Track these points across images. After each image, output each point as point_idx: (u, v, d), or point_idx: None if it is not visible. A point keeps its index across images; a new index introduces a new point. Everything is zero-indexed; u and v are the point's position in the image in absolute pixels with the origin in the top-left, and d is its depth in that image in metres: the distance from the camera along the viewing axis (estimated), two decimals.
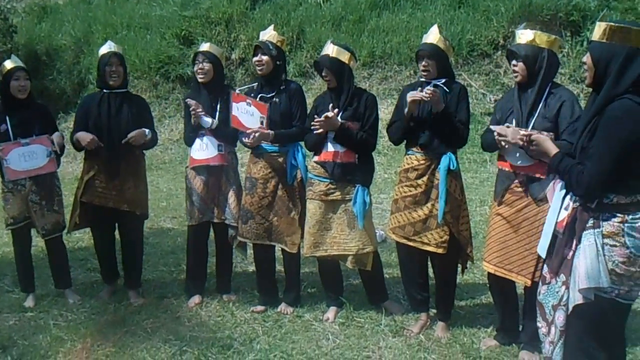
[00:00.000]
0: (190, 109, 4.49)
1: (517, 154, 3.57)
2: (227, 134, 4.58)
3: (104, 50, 4.73)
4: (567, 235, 2.85)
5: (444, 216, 3.97)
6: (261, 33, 4.55)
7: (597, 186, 2.67)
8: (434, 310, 4.31)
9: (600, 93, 2.69)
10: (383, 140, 9.49)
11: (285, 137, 4.41)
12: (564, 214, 2.90)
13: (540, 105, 3.51)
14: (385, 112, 9.58)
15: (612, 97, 2.63)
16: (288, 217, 4.47)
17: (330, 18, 11.32)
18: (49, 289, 5.07)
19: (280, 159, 4.44)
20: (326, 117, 4.07)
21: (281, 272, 4.84)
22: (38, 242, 5.02)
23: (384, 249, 5.47)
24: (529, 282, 3.59)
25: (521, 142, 3.29)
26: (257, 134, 4.31)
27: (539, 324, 3.04)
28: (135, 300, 4.79)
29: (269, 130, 4.34)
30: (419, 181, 4.03)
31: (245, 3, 12.09)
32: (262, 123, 4.35)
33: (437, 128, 3.93)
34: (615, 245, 2.67)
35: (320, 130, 4.13)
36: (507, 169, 3.67)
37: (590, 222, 2.73)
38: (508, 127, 3.47)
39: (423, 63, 4.01)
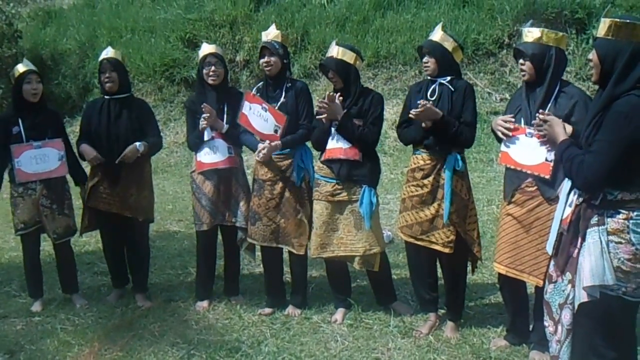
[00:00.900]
0: (205, 115, 4.44)
1: (524, 152, 3.54)
2: (236, 136, 4.56)
3: (102, 56, 4.75)
4: (572, 233, 2.83)
5: (451, 216, 3.94)
6: (264, 33, 4.52)
7: (595, 180, 2.65)
8: (443, 311, 4.28)
9: (605, 89, 2.67)
10: (389, 140, 9.52)
11: (293, 143, 4.39)
12: (569, 211, 2.88)
13: (550, 104, 3.48)
14: (390, 112, 9.58)
15: (618, 94, 2.61)
16: (295, 219, 4.45)
17: (335, 19, 11.31)
18: (56, 294, 5.07)
19: (287, 161, 4.41)
20: (330, 97, 4.06)
21: (289, 274, 4.82)
22: (44, 247, 5.01)
23: (391, 250, 5.44)
24: (541, 283, 3.56)
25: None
26: (264, 150, 4.30)
27: (545, 323, 3.01)
28: (142, 304, 4.78)
29: (276, 142, 4.32)
30: (425, 181, 4.00)
31: (249, 5, 12.09)
32: (276, 132, 4.33)
33: (442, 131, 3.91)
34: (620, 242, 2.65)
35: (325, 116, 4.11)
36: (512, 167, 3.64)
37: (595, 220, 2.71)
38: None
39: (424, 60, 4.01)
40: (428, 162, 4.00)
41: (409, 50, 10.31)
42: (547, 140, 3.23)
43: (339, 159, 4.19)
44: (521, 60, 3.59)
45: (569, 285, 2.82)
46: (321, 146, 4.29)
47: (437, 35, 3.99)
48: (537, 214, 3.57)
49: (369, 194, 4.18)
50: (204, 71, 4.56)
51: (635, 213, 2.64)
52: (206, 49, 4.63)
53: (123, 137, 4.65)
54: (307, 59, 11.01)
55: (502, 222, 3.80)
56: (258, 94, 4.47)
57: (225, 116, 4.56)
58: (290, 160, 4.41)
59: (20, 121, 4.59)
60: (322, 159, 4.30)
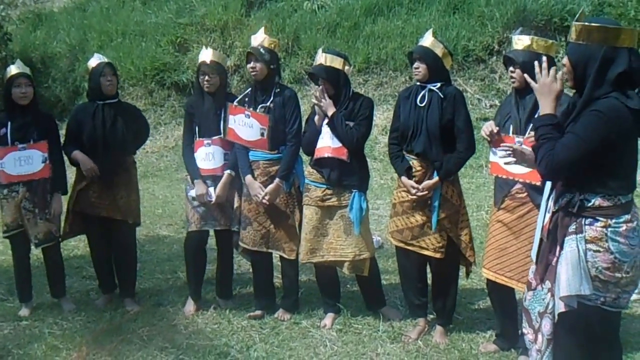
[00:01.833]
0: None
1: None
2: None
3: (94, 62, 4.73)
4: (551, 241, 2.78)
5: (442, 222, 3.96)
6: (252, 37, 4.52)
7: (556, 170, 2.61)
8: (432, 316, 4.29)
9: (583, 94, 2.64)
10: (379, 146, 9.53)
11: (289, 166, 4.40)
12: (547, 218, 2.84)
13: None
14: (380, 117, 9.61)
15: (598, 97, 2.59)
16: (286, 224, 4.45)
17: (325, 24, 11.33)
18: (44, 298, 5.04)
19: (276, 167, 4.41)
20: (320, 93, 4.13)
21: (278, 278, 4.82)
22: (33, 251, 4.99)
23: (381, 255, 5.45)
24: None
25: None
26: (267, 196, 4.33)
27: (524, 330, 2.97)
28: (130, 308, 4.76)
29: (278, 184, 4.34)
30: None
31: (240, 10, 12.09)
32: (262, 135, 4.34)
33: (433, 135, 3.93)
34: (598, 251, 2.60)
35: (322, 103, 4.13)
36: (504, 177, 3.66)
37: (573, 227, 2.66)
38: None
39: (414, 65, 4.02)
40: (419, 168, 4.01)
41: (399, 56, 10.34)
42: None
43: (329, 164, 4.19)
44: (511, 68, 3.61)
45: (549, 294, 2.77)
46: (311, 149, 4.30)
47: (427, 40, 4.01)
48: (527, 220, 3.59)
49: (359, 200, 4.20)
50: (200, 79, 4.56)
51: (613, 221, 2.59)
52: (202, 56, 4.58)
53: (119, 142, 4.67)
54: (297, 64, 11.02)
55: (492, 228, 3.81)
56: (246, 100, 4.49)
57: (222, 123, 4.54)
58: (278, 166, 4.41)
59: (9, 123, 4.57)
60: (312, 160, 4.30)
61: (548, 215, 2.82)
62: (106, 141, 4.63)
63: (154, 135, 11.35)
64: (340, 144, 4.16)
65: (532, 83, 2.79)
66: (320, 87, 4.18)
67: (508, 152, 3.17)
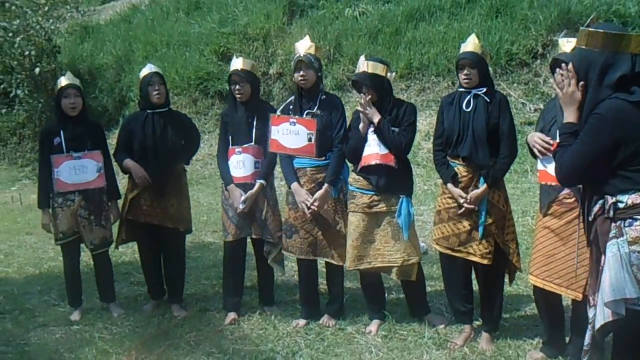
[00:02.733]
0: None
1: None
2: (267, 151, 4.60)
3: (145, 71, 4.84)
4: (595, 252, 2.74)
5: (489, 227, 3.93)
6: (297, 45, 4.52)
7: (565, 175, 2.62)
8: (478, 322, 4.25)
9: (587, 96, 2.63)
10: (422, 152, 9.49)
11: (337, 171, 4.41)
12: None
13: None
14: (423, 123, 9.56)
15: (598, 102, 2.58)
16: (334, 230, 4.45)
17: (367, 31, 11.33)
18: (94, 303, 5.16)
19: (323, 174, 4.42)
20: (366, 101, 4.13)
21: (322, 284, 4.84)
22: (83, 257, 5.11)
23: (425, 261, 5.40)
24: (580, 296, 3.51)
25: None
26: (317, 202, 4.34)
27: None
28: (178, 314, 4.83)
29: (327, 190, 4.35)
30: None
31: (282, 18, 12.20)
32: (310, 140, 4.35)
33: (479, 139, 3.90)
34: None
35: (367, 111, 4.13)
36: (552, 184, 3.61)
37: (613, 232, 2.60)
38: None
39: (465, 72, 3.98)
40: (465, 174, 3.98)
41: (441, 61, 10.29)
42: None
43: (377, 170, 4.19)
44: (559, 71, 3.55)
45: (593, 306, 2.71)
46: (357, 157, 4.30)
47: (473, 45, 3.98)
48: (575, 226, 3.52)
49: (407, 205, 4.20)
50: (231, 87, 4.63)
51: None
52: (233, 65, 4.65)
53: (170, 150, 4.77)
54: (339, 71, 11.05)
55: (538, 234, 3.76)
56: (290, 108, 4.50)
57: (254, 130, 4.59)
58: (325, 173, 4.42)
59: (61, 132, 4.70)
60: (359, 168, 4.29)
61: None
62: (156, 150, 4.73)
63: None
64: (388, 151, 4.16)
65: (558, 91, 2.78)
66: (365, 95, 4.18)
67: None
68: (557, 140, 3.39)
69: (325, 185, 4.36)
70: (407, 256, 4.25)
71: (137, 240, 5.04)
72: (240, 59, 4.69)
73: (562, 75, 2.73)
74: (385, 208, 4.24)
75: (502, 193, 4.01)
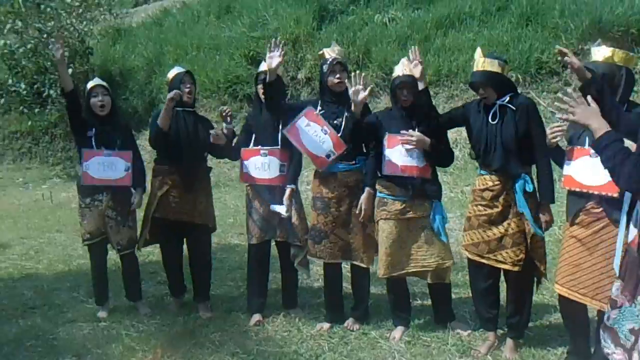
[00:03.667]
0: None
1: (589, 173, 3.50)
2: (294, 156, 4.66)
3: (174, 71, 4.92)
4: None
5: (520, 234, 3.93)
6: (327, 50, 4.53)
7: (635, 181, 2.53)
8: (502, 331, 4.24)
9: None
10: None
11: (376, 176, 4.41)
12: (634, 232, 2.72)
13: None
14: (451, 130, 9.49)
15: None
16: (364, 234, 4.46)
17: (396, 37, 11.33)
18: (121, 301, 5.23)
19: (354, 177, 4.44)
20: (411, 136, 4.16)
21: (347, 288, 4.85)
22: (111, 256, 5.20)
23: None
24: (605, 307, 3.48)
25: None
26: (365, 206, 4.35)
27: (608, 350, 2.83)
28: (203, 314, 4.89)
29: (370, 193, 4.35)
30: (495, 202, 3.98)
31: (312, 23, 12.25)
32: (328, 157, 4.36)
33: (509, 150, 3.89)
34: None
35: (415, 143, 4.14)
36: (577, 189, 3.60)
37: None
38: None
39: (480, 92, 3.98)
40: (497, 183, 3.98)
41: (470, 69, 10.18)
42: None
43: (410, 178, 4.22)
44: None
45: None
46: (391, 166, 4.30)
47: (480, 63, 3.94)
48: (602, 236, 3.50)
49: (441, 209, 4.25)
50: (257, 88, 4.68)
51: None
52: (261, 67, 4.73)
53: (201, 147, 4.88)
54: (368, 77, 11.03)
55: (565, 243, 3.74)
56: (320, 110, 4.50)
57: (279, 134, 4.62)
58: (356, 177, 4.44)
59: (94, 129, 4.78)
60: (390, 172, 4.26)
61: (636, 231, 2.72)
62: (188, 145, 4.79)
63: None
64: (426, 163, 4.21)
65: (570, 116, 2.80)
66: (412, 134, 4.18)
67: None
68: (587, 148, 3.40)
69: (367, 189, 4.36)
70: (441, 260, 4.27)
71: (160, 239, 5.08)
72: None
73: (568, 104, 2.75)
74: (418, 214, 4.25)
75: (534, 201, 3.99)
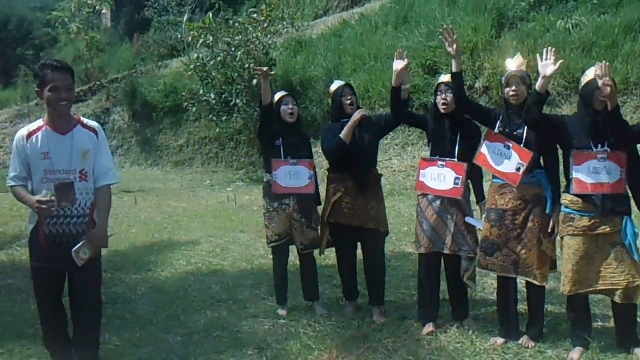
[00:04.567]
0: None
1: None
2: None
3: (335, 86, 5.20)
4: None
5: None
6: (509, 61, 4.48)
7: None
8: None
9: None
10: None
11: (559, 190, 4.35)
12: None
13: None
14: None
15: None
16: (539, 250, 4.34)
17: (580, 44, 10.79)
18: (299, 301, 5.49)
19: (531, 190, 4.35)
20: None
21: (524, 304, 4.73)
22: (290, 258, 5.48)
23: None
24: None
25: None
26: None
27: None
28: (377, 319, 4.99)
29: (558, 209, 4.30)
30: None
31: (490, 32, 12.02)
32: (518, 170, 4.30)
33: None
34: None
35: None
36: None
37: None
38: None
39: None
40: None
41: None
42: None
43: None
44: None
45: None
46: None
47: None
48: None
49: (632, 225, 4.03)
50: (436, 99, 4.72)
51: None
52: (442, 78, 4.79)
53: (370, 155, 5.06)
54: (549, 87, 10.62)
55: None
56: (497, 122, 4.47)
57: (457, 147, 4.66)
58: (534, 190, 4.34)
59: (281, 139, 5.09)
60: (579, 192, 4.12)
61: None
62: (357, 153, 4.96)
63: (401, 155, 11.72)
64: (619, 178, 4.02)
65: None
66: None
67: None
68: None
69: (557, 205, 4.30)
70: (632, 278, 4.05)
71: (335, 244, 5.27)
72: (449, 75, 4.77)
73: None
74: (608, 229, 4.06)
75: None
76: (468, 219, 4.61)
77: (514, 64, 4.43)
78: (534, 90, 4.17)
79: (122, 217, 10.08)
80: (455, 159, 4.66)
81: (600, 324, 4.75)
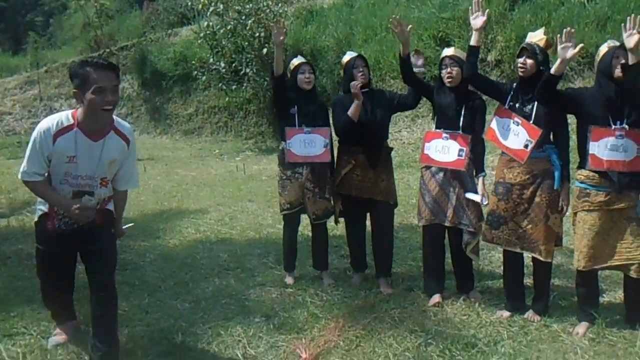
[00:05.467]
0: None
1: None
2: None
3: (347, 57, 5.14)
4: None
5: None
6: (530, 34, 4.46)
7: None
8: None
9: None
10: None
11: (568, 166, 4.34)
12: None
13: None
14: None
15: None
16: (545, 225, 4.33)
17: (595, 18, 10.63)
18: (306, 270, 5.54)
19: (540, 165, 4.33)
20: None
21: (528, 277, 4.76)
22: (300, 227, 5.50)
23: None
24: None
25: None
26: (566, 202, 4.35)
27: None
28: (384, 289, 5.03)
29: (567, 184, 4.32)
30: None
31: (504, 4, 11.86)
32: (526, 147, 4.29)
33: None
34: None
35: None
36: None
37: None
38: None
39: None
40: None
41: None
42: None
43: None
44: None
45: None
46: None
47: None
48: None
49: None
50: (442, 73, 4.69)
51: None
52: (445, 51, 4.73)
53: (381, 128, 5.04)
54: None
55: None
56: (511, 94, 4.44)
57: (462, 118, 4.65)
58: (543, 165, 4.33)
59: (296, 107, 5.07)
60: (595, 168, 4.09)
61: None
62: (369, 126, 4.95)
63: (411, 127, 11.68)
64: (636, 156, 3.99)
65: None
66: None
67: None
68: None
69: (565, 181, 4.31)
70: None
71: (345, 215, 5.30)
72: (452, 48, 4.77)
73: None
74: (624, 205, 4.04)
75: None
76: (468, 194, 4.60)
77: (534, 37, 4.39)
78: (548, 72, 4.12)
79: None
80: (460, 131, 4.65)
81: (607, 299, 4.77)
